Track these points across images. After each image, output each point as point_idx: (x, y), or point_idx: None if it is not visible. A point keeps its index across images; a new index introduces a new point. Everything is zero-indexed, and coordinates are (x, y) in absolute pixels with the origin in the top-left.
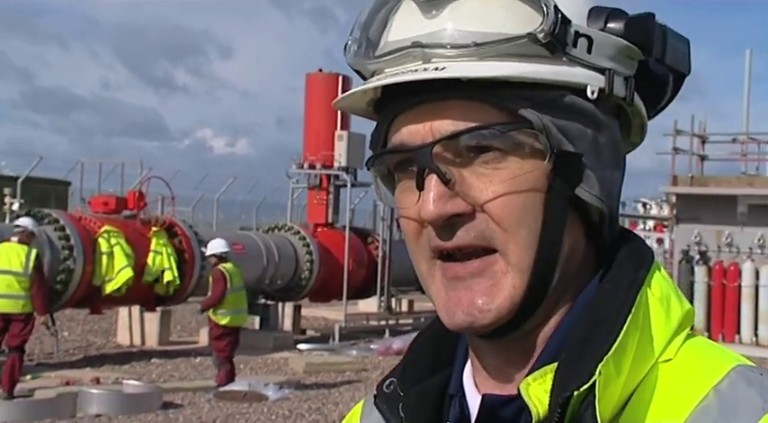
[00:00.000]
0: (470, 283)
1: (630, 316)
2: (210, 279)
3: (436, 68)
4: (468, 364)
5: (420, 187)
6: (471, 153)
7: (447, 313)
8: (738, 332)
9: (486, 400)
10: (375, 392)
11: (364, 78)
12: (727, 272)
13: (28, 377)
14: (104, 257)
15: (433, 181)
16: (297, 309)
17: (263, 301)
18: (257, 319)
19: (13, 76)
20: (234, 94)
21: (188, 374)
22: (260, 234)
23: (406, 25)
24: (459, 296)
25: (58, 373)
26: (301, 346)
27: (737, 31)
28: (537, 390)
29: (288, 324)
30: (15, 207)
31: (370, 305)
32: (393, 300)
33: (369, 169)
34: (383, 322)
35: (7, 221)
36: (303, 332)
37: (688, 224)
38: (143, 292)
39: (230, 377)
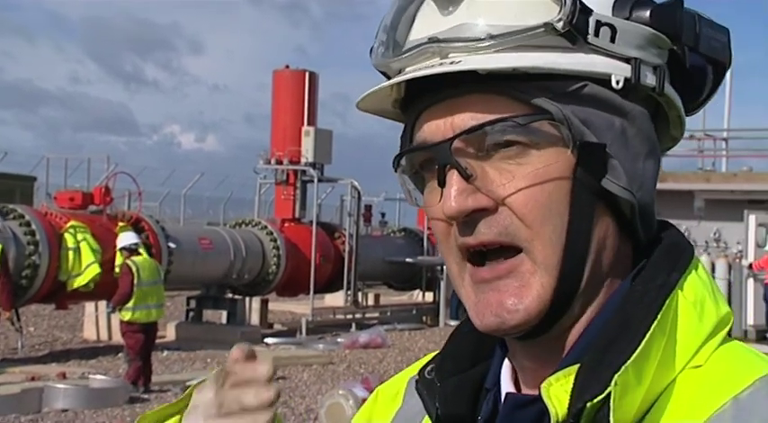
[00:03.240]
0: (498, 284)
1: (656, 321)
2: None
3: (452, 62)
4: (507, 359)
5: (441, 184)
6: (493, 147)
7: (477, 315)
8: None
9: (509, 399)
10: (417, 376)
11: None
12: None
13: None
14: (70, 253)
15: (454, 177)
16: (264, 303)
17: (230, 295)
18: (224, 314)
19: None
20: (204, 89)
21: (155, 369)
22: (227, 229)
23: (426, 23)
24: (488, 298)
25: (23, 368)
26: (268, 340)
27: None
28: (557, 391)
29: (255, 318)
30: None
31: (336, 299)
32: (359, 294)
33: (396, 171)
34: (350, 316)
35: None
36: (270, 326)
37: None
38: (109, 287)
39: (138, 374)
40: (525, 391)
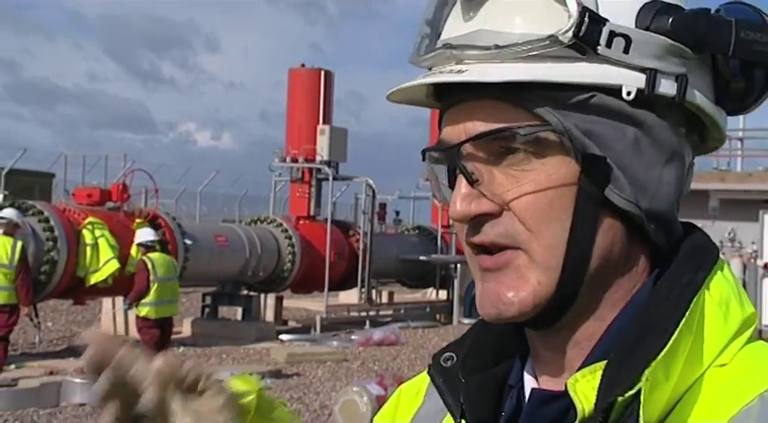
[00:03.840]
0: (499, 275)
1: (684, 319)
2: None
3: (459, 71)
4: (530, 356)
5: (451, 186)
6: (501, 153)
7: (479, 303)
8: None
9: (535, 395)
10: (431, 362)
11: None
12: None
13: (12, 367)
14: (88, 249)
15: (462, 181)
16: (279, 300)
17: (245, 292)
18: (240, 310)
19: None
20: (219, 87)
21: None
22: (243, 226)
23: (451, 25)
24: (490, 287)
25: (42, 362)
26: (283, 337)
27: None
28: (584, 387)
29: (270, 315)
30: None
31: (350, 297)
32: (373, 291)
33: (423, 160)
34: (363, 313)
35: None
36: (285, 323)
37: None
38: (126, 283)
39: None
40: (545, 384)
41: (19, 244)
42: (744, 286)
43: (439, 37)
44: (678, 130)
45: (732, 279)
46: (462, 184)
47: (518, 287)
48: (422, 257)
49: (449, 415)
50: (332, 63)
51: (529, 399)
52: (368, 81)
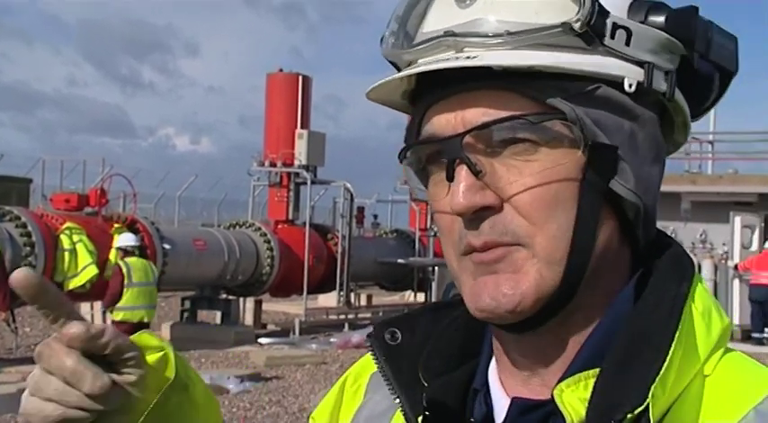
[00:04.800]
0: (496, 268)
1: (678, 331)
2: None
3: (468, 57)
4: (494, 359)
5: (450, 178)
6: (502, 144)
7: (472, 297)
8: None
9: (516, 404)
10: (369, 338)
11: (399, 70)
12: None
13: None
14: (66, 254)
15: (463, 172)
16: (258, 303)
17: (224, 296)
18: (218, 314)
19: None
20: (199, 91)
21: None
22: (221, 230)
23: (441, 16)
24: (486, 280)
25: (19, 368)
26: (262, 340)
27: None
28: (570, 397)
29: (249, 318)
30: None
31: (329, 300)
32: (352, 294)
33: (401, 162)
34: (342, 316)
35: None
36: (264, 326)
37: None
38: (104, 288)
39: None
40: (515, 390)
41: None
42: (715, 287)
43: (419, 28)
44: (662, 128)
45: (708, 290)
46: (464, 175)
47: (518, 280)
48: (400, 260)
49: (398, 412)
50: (312, 67)
51: (510, 407)
52: (346, 85)
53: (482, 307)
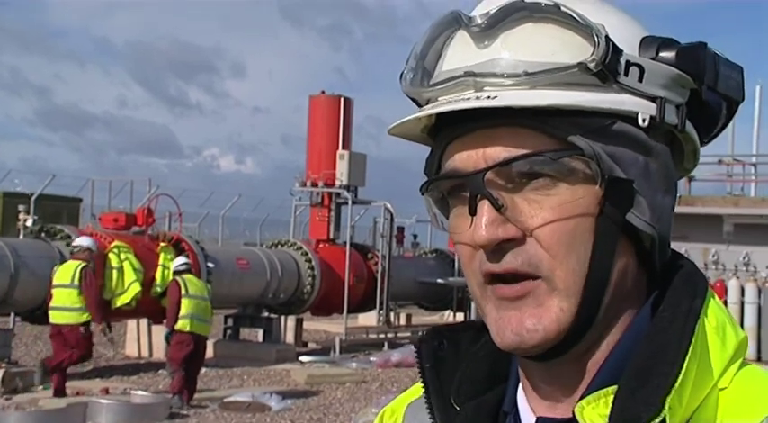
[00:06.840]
0: (519, 304)
1: (692, 345)
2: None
3: (488, 97)
4: (522, 383)
5: (472, 212)
6: (522, 179)
7: (497, 332)
8: None
9: (541, 421)
10: (419, 346)
11: (419, 106)
12: (714, 289)
13: (40, 387)
14: (114, 272)
15: (485, 206)
16: (299, 322)
17: (266, 314)
18: (260, 332)
19: (30, 94)
20: (244, 112)
21: None
22: (264, 249)
23: (459, 55)
24: (510, 316)
25: (69, 383)
26: (303, 358)
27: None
28: (591, 414)
29: (290, 337)
30: (29, 223)
31: (369, 319)
32: (392, 314)
33: (423, 194)
34: (382, 335)
35: (21, 237)
36: (305, 344)
37: (676, 242)
38: (151, 305)
39: (183, 384)
40: (542, 410)
41: (78, 266)
42: (759, 310)
43: (437, 66)
44: (672, 157)
45: (722, 304)
46: (486, 209)
47: (540, 315)
48: (439, 280)
49: None
50: (355, 87)
51: None
52: (389, 105)
53: (507, 343)
